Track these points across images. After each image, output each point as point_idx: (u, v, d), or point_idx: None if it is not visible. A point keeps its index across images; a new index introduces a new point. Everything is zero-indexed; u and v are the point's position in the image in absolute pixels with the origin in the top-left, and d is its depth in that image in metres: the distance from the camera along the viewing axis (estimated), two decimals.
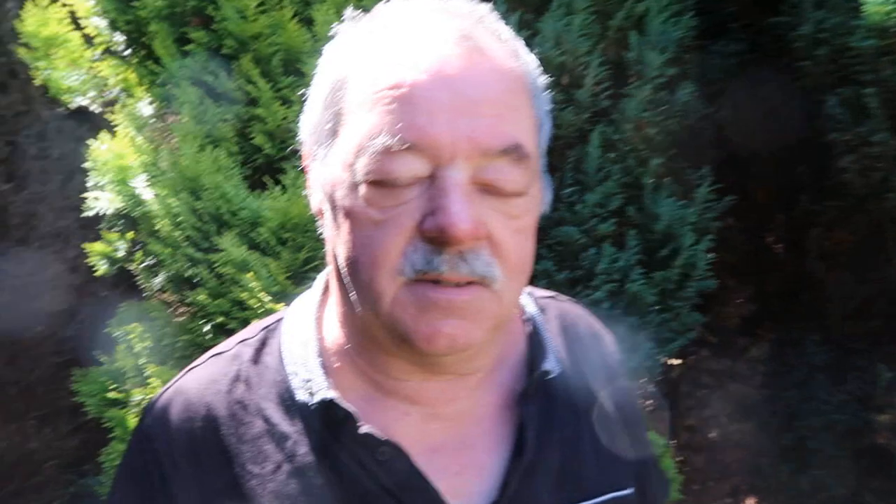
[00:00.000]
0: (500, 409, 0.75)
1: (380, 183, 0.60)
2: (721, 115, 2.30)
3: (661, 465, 2.19)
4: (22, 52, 1.91)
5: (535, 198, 0.67)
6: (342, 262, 0.66)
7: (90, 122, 3.89)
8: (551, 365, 0.76)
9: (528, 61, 0.69)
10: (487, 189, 0.62)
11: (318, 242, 1.74)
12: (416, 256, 0.60)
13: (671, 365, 2.96)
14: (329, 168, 0.66)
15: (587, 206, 1.83)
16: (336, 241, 0.66)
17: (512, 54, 0.67)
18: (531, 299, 0.85)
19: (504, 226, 0.62)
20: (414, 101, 0.60)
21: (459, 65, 0.61)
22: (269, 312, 0.81)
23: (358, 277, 0.64)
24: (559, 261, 1.85)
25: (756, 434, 2.92)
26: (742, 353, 2.77)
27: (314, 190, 0.71)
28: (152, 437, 0.71)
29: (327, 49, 0.71)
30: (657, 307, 1.87)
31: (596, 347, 0.88)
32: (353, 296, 0.66)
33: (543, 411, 0.75)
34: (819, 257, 2.39)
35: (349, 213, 0.63)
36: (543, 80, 0.71)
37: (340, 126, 0.65)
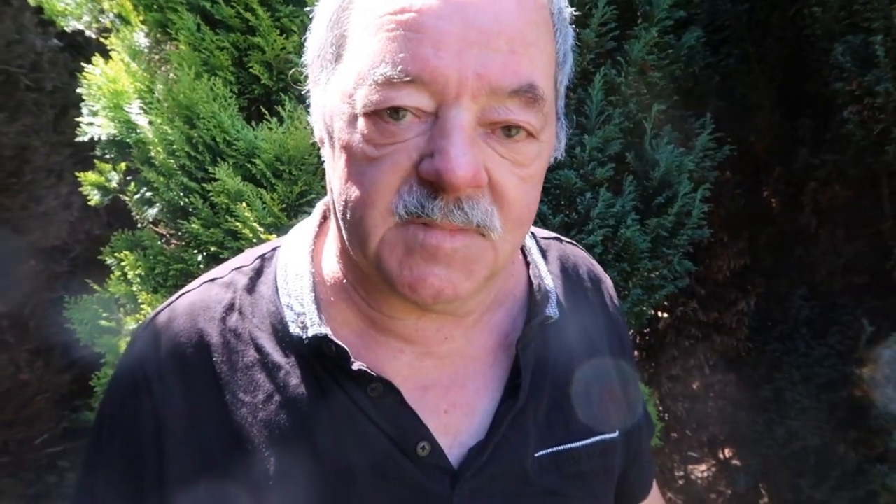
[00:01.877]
0: (494, 350, 0.75)
1: (379, 117, 0.57)
2: (726, 63, 2.26)
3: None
4: None
5: (547, 143, 0.63)
6: (336, 196, 0.64)
7: (85, 56, 3.80)
8: (552, 310, 0.75)
9: None
10: (494, 132, 0.58)
11: (314, 176, 1.73)
12: (410, 198, 0.58)
13: (658, 315, 2.99)
14: (330, 96, 0.63)
15: (586, 150, 1.81)
16: (332, 174, 0.64)
17: None
18: (533, 241, 0.84)
19: (509, 173, 0.59)
20: (420, 28, 0.55)
21: None
22: (262, 244, 0.81)
23: (349, 214, 0.61)
24: (555, 204, 1.85)
25: (737, 385, 2.98)
26: (730, 306, 2.80)
27: (316, 118, 0.68)
28: (143, 359, 0.69)
29: None
30: (649, 254, 1.88)
31: (595, 292, 0.87)
32: (345, 232, 0.64)
33: (539, 355, 0.74)
34: (813, 212, 2.40)
35: (346, 147, 0.60)
36: (569, 10, 0.66)
37: (343, 51, 0.61)
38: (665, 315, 3.03)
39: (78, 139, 1.84)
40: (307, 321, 0.67)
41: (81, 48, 3.72)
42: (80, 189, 1.96)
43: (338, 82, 0.61)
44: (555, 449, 0.74)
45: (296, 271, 0.71)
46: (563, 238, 0.90)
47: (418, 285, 0.59)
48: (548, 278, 0.79)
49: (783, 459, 2.90)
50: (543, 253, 0.84)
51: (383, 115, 0.57)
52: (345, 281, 0.71)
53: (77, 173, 2.01)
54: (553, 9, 0.63)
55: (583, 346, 0.81)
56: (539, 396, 0.74)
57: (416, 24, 0.55)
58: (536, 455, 0.72)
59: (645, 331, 3.20)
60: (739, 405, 3.02)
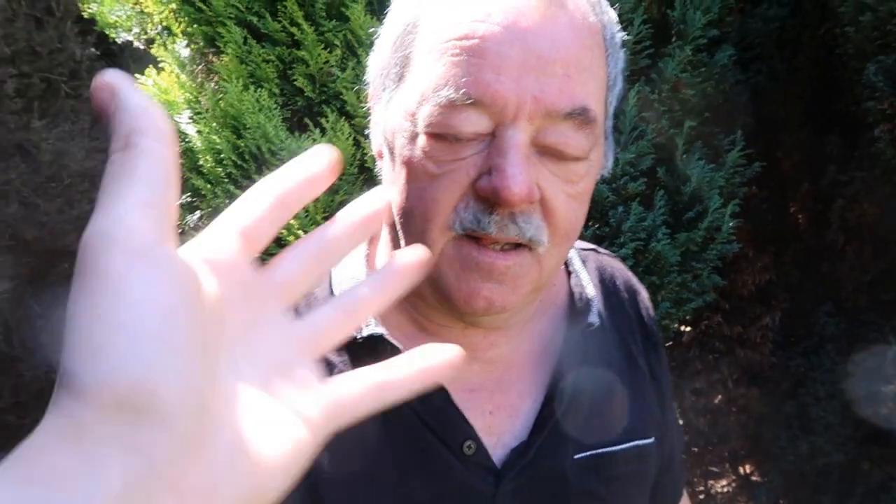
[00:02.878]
0: (537, 356, 0.78)
1: (440, 136, 0.60)
2: (756, 81, 2.29)
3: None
4: None
5: (596, 162, 0.66)
6: (396, 209, 0.67)
7: (119, 65, 3.90)
8: (594, 318, 0.78)
9: (609, 15, 0.68)
10: (547, 151, 0.61)
11: (354, 185, 1.78)
12: (466, 214, 0.61)
13: (682, 329, 3.00)
14: (392, 113, 0.66)
15: (619, 165, 1.85)
16: (393, 187, 0.67)
17: (592, 6, 0.65)
18: (574, 251, 0.87)
19: (559, 190, 0.62)
20: (483, 54, 0.58)
21: (535, 18, 0.59)
22: None
23: (410, 228, 0.65)
24: (587, 218, 1.89)
25: (760, 400, 2.98)
26: (754, 321, 2.81)
27: (375, 132, 0.72)
28: None
29: None
30: (679, 267, 1.91)
31: (632, 301, 0.90)
32: (403, 243, 0.67)
33: (579, 361, 0.77)
34: (840, 229, 2.41)
35: (407, 163, 0.63)
36: (621, 36, 0.70)
37: (407, 71, 0.64)
38: (689, 329, 3.04)
39: None
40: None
41: (116, 56, 3.83)
42: None
43: (400, 101, 0.65)
44: (593, 452, 0.76)
45: (351, 275, 0.74)
46: (600, 249, 0.94)
47: (472, 297, 0.63)
48: (589, 287, 0.82)
49: (805, 476, 2.89)
50: (583, 262, 0.87)
51: (446, 134, 0.60)
52: None
53: None
54: (606, 34, 0.66)
55: (620, 354, 0.84)
56: (579, 401, 0.77)
57: (478, 50, 0.59)
58: (576, 457, 0.75)
59: (668, 343, 3.22)
60: (762, 420, 3.01)
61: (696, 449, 3.43)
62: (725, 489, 3.52)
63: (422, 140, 0.62)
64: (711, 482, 3.55)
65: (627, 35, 1.84)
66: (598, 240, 1.89)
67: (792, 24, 2.26)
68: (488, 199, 0.60)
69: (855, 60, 1.91)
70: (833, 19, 2.00)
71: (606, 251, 0.95)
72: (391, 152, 0.67)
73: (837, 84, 2.19)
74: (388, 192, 0.70)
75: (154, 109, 0.34)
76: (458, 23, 0.60)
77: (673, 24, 1.90)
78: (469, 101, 0.59)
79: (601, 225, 1.88)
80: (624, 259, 1.84)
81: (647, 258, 1.88)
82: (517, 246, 0.63)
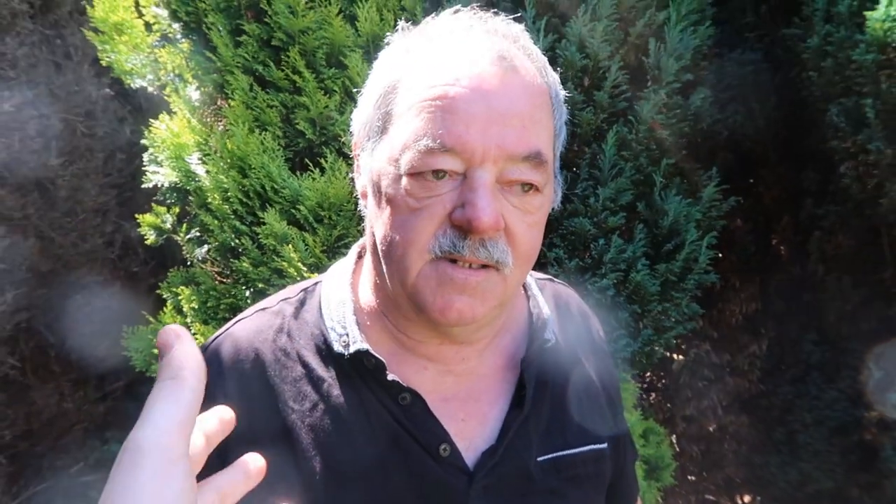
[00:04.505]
0: (502, 369, 0.89)
1: (419, 176, 0.72)
2: (733, 120, 2.42)
3: (633, 437, 2.33)
4: (90, 36, 2.08)
5: (549, 196, 0.80)
6: (380, 239, 0.78)
7: (132, 105, 4.10)
8: (550, 335, 0.90)
9: (553, 77, 0.82)
10: (509, 188, 0.74)
11: (350, 221, 1.90)
12: (444, 240, 0.72)
13: (672, 357, 3.09)
14: (376, 160, 0.79)
15: (599, 200, 1.97)
16: (376, 221, 0.79)
17: (540, 71, 0.79)
18: (532, 279, 0.99)
19: (520, 220, 0.75)
20: (454, 111, 0.71)
21: (495, 82, 0.72)
22: (304, 281, 0.96)
23: (392, 253, 0.76)
24: (570, 249, 2.00)
25: (750, 427, 3.04)
26: (742, 349, 2.89)
27: (361, 176, 0.84)
28: (207, 372, 0.82)
29: (382, 55, 0.83)
30: (659, 297, 2.01)
31: (584, 324, 1.02)
32: (385, 268, 0.79)
33: (539, 373, 0.88)
34: (820, 260, 2.51)
35: (391, 200, 0.75)
36: (562, 93, 0.83)
37: (390, 125, 0.77)
38: (679, 357, 3.12)
39: (143, 185, 2.04)
40: (350, 340, 0.81)
41: (129, 96, 4.01)
42: (140, 229, 2.16)
43: (383, 149, 0.77)
44: (554, 455, 0.86)
45: (338, 299, 0.86)
46: (555, 279, 1.06)
47: (447, 309, 0.74)
48: (545, 308, 0.94)
49: (798, 502, 2.93)
50: (540, 290, 0.99)
51: (424, 175, 0.73)
52: (378, 309, 0.85)
53: (137, 215, 2.21)
54: (552, 93, 0.80)
55: (575, 368, 0.95)
56: (540, 409, 0.87)
57: (450, 108, 0.72)
58: (539, 459, 0.85)
59: (660, 372, 3.29)
60: (754, 447, 3.07)
61: (691, 477, 3.47)
62: None
63: (404, 181, 0.74)
64: None
65: (605, 80, 1.98)
66: (581, 270, 2.00)
67: (765, 67, 2.40)
68: (462, 227, 0.72)
69: (820, 102, 2.03)
70: (800, 64, 2.14)
71: (560, 281, 1.07)
72: (377, 191, 0.78)
73: (809, 123, 2.32)
74: (371, 226, 0.82)
75: (199, 358, 0.54)
76: (433, 86, 0.73)
77: (648, 70, 2.04)
78: (444, 149, 0.71)
79: (584, 256, 1.99)
80: (606, 289, 1.96)
81: (627, 288, 1.99)
82: (484, 266, 0.75)
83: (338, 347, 0.82)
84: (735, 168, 2.47)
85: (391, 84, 0.78)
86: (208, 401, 0.82)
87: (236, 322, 0.89)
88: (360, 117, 0.84)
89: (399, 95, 0.76)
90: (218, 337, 0.88)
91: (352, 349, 0.81)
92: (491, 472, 0.81)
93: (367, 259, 0.87)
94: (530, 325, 0.92)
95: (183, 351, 0.53)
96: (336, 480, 0.79)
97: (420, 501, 0.79)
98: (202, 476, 0.79)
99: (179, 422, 0.50)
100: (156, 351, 1.98)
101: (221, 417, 0.62)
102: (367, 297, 0.87)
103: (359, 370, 0.81)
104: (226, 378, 0.83)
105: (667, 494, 3.31)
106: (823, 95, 2.02)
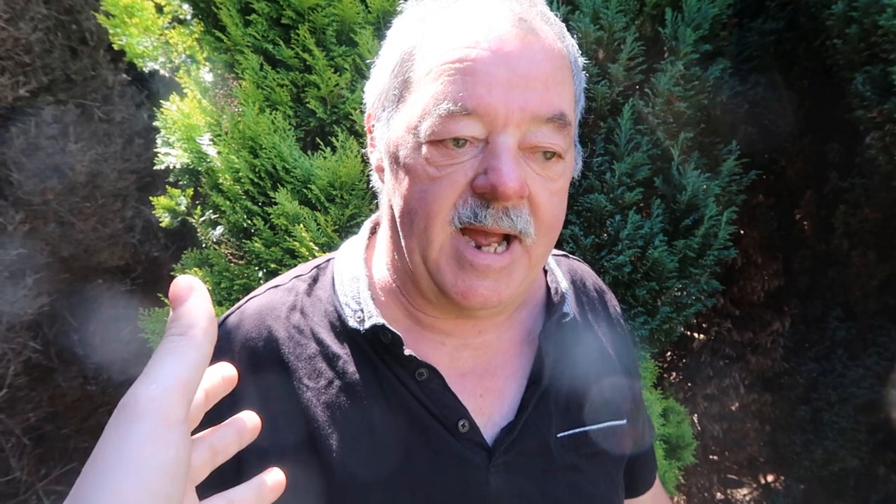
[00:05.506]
0: (519, 343, 0.87)
1: (440, 143, 0.71)
2: (754, 92, 2.35)
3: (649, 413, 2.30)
4: (101, 20, 2.08)
5: (570, 163, 0.77)
6: (399, 211, 0.76)
7: (149, 90, 4.11)
8: (568, 309, 0.88)
9: (571, 43, 0.79)
10: (531, 154, 0.72)
11: (363, 200, 1.89)
12: (465, 210, 0.71)
13: (693, 336, 3.04)
14: (393, 130, 0.77)
15: (616, 176, 1.93)
16: (394, 193, 0.77)
17: (559, 36, 0.77)
18: (549, 255, 0.97)
19: (543, 187, 0.73)
20: (475, 74, 0.69)
21: (516, 44, 0.71)
22: None
23: (413, 225, 0.74)
24: (586, 226, 1.97)
25: (774, 406, 2.99)
26: (764, 327, 2.84)
27: (375, 149, 0.82)
28: (220, 352, 0.79)
29: (396, 23, 0.82)
30: (677, 273, 1.97)
31: (600, 300, 1.01)
32: (404, 242, 0.77)
33: (557, 348, 0.87)
34: (845, 234, 2.45)
35: (410, 170, 0.73)
36: (582, 60, 0.81)
37: (407, 93, 0.75)
38: (700, 335, 3.08)
39: (155, 167, 2.04)
40: (365, 315, 0.79)
41: (146, 81, 4.03)
42: (154, 212, 2.16)
43: (401, 118, 0.75)
44: (573, 431, 0.85)
45: (352, 275, 0.84)
46: (570, 255, 1.05)
47: (470, 294, 0.73)
48: (563, 283, 0.92)
49: (823, 481, 2.89)
50: (557, 265, 0.98)
51: (445, 142, 0.71)
52: (394, 285, 0.84)
53: (151, 197, 2.22)
54: (571, 58, 0.78)
55: (592, 344, 0.93)
56: (559, 385, 0.86)
57: (471, 71, 0.70)
58: (558, 436, 0.84)
59: (681, 351, 3.25)
60: (777, 426, 3.03)
61: (714, 457, 3.44)
62: (747, 497, 3.51)
63: (424, 149, 0.72)
64: (731, 490, 3.55)
65: (621, 52, 1.93)
66: (597, 247, 1.97)
67: (788, 37, 2.32)
68: (485, 195, 0.70)
69: (845, 71, 1.96)
70: (825, 32, 2.06)
71: (576, 257, 1.06)
72: (395, 162, 0.76)
73: (834, 93, 2.25)
74: (388, 199, 0.80)
75: (212, 315, 0.50)
76: (452, 49, 0.71)
77: (665, 41, 1.98)
78: (465, 112, 0.69)
79: (600, 233, 1.95)
80: (622, 266, 1.92)
81: (645, 265, 1.95)
82: (508, 242, 0.73)
83: (352, 323, 0.80)
84: (756, 141, 2.41)
85: (407, 51, 0.76)
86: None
87: (248, 300, 0.88)
88: (375, 88, 0.82)
89: (416, 62, 0.74)
90: (230, 315, 0.87)
91: (367, 324, 0.79)
92: (510, 447, 0.80)
93: (383, 234, 0.86)
94: (548, 300, 0.91)
95: (195, 306, 0.49)
96: (354, 458, 0.77)
97: (439, 477, 0.78)
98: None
99: (183, 382, 0.46)
100: None
101: (224, 375, 0.59)
102: (382, 274, 0.85)
103: (374, 346, 0.80)
104: (238, 356, 0.81)
105: (688, 473, 3.29)
106: (848, 63, 1.94)
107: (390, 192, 0.79)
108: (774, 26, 2.31)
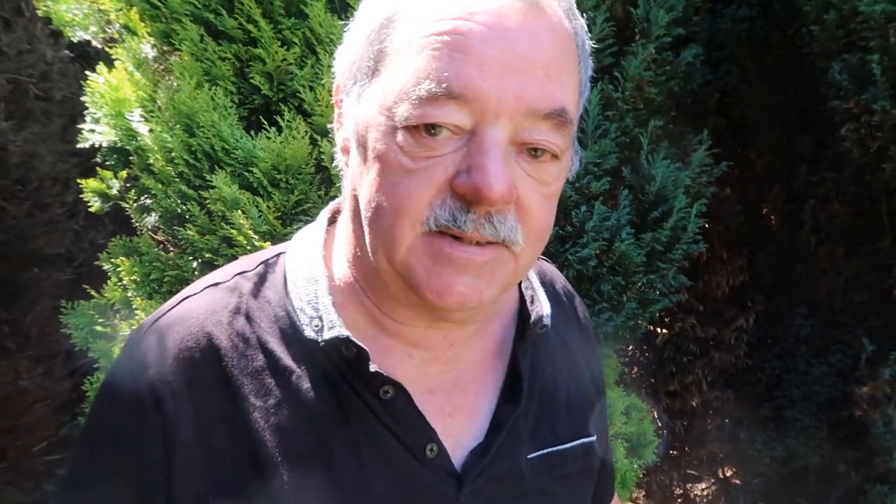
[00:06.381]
0: (491, 356, 0.78)
1: (417, 131, 0.59)
2: (725, 82, 2.28)
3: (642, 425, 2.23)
4: None
5: (566, 165, 0.66)
6: (364, 203, 0.65)
7: (94, 67, 3.86)
8: (546, 321, 0.78)
9: (580, 23, 0.68)
10: (522, 152, 0.61)
11: (311, 186, 1.74)
12: (442, 212, 0.60)
13: (657, 331, 2.99)
14: (364, 107, 0.65)
15: (582, 164, 1.83)
16: (360, 182, 0.65)
17: (567, 14, 0.65)
18: None
19: (533, 190, 0.62)
20: (466, 50, 0.58)
21: (517, 19, 0.59)
22: (255, 251, 0.82)
23: (378, 222, 0.63)
24: None
25: (735, 403, 2.97)
26: (729, 323, 2.80)
27: (342, 126, 0.70)
28: (148, 365, 0.68)
29: None
30: (644, 268, 1.89)
31: (570, 305, 0.92)
32: (368, 239, 0.65)
33: (530, 361, 0.78)
34: (813, 230, 2.40)
35: (380, 157, 0.62)
36: (590, 43, 0.69)
37: (383, 65, 0.63)
38: (663, 331, 3.03)
39: (79, 146, 1.86)
40: (324, 324, 0.67)
41: (92, 59, 3.77)
42: (82, 196, 1.98)
43: (374, 95, 0.63)
44: (545, 451, 0.77)
45: (308, 275, 0.72)
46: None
47: (446, 293, 0.61)
48: (540, 291, 0.81)
49: (783, 478, 2.87)
50: None
51: (423, 129, 0.59)
52: (356, 286, 0.72)
53: (79, 180, 2.03)
54: (578, 41, 0.66)
55: (564, 356, 0.85)
56: (529, 401, 0.77)
57: (461, 46, 0.58)
58: (529, 457, 0.75)
59: (643, 346, 3.20)
60: (738, 423, 3.00)
61: (673, 452, 3.41)
62: (705, 492, 3.50)
63: (399, 135, 0.60)
64: (690, 485, 3.53)
65: (590, 33, 1.82)
66: (561, 240, 1.86)
67: (761, 25, 2.25)
68: (466, 196, 0.59)
69: (821, 59, 1.90)
70: (800, 19, 1.99)
71: (541, 257, 0.95)
72: (363, 146, 0.65)
73: (807, 84, 2.19)
74: (352, 187, 0.68)
75: None
76: (440, 18, 0.59)
77: (637, 23, 1.88)
78: (450, 96, 0.58)
79: (564, 224, 1.85)
80: (587, 260, 1.82)
81: (611, 258, 1.85)
82: (490, 243, 0.62)
83: (308, 332, 0.68)
84: (725, 132, 2.34)
85: (388, 16, 0.63)
86: (150, 403, 0.66)
87: (181, 300, 0.74)
88: (346, 55, 0.69)
89: (397, 30, 0.62)
90: (160, 317, 0.73)
91: (326, 335, 0.67)
92: (481, 473, 0.71)
93: (344, 226, 0.73)
94: (521, 308, 0.80)
95: None
96: (308, 490, 0.66)
97: None
98: (140, 493, 0.65)
99: None
100: (98, 328, 1.82)
101: None
102: (343, 272, 0.73)
103: (333, 360, 0.68)
104: (171, 370, 0.67)
105: (648, 470, 3.25)
106: (825, 52, 1.87)
107: (356, 178, 0.67)
108: (748, 13, 2.24)
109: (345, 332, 0.66)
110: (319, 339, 0.67)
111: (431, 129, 0.59)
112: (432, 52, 0.59)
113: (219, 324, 0.70)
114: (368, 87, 0.64)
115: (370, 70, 0.64)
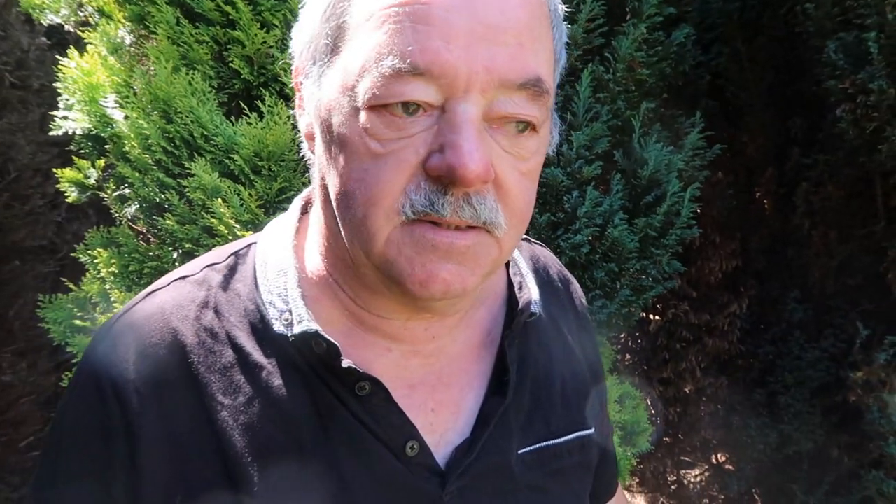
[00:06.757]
0: (476, 347, 0.74)
1: (384, 110, 0.55)
2: (717, 63, 2.24)
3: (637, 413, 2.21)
4: None
5: (545, 137, 0.63)
6: (334, 193, 0.61)
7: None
8: (535, 308, 0.74)
9: None
10: (498, 126, 0.57)
11: (294, 173, 1.69)
12: (418, 197, 0.56)
13: (649, 318, 2.96)
14: (325, 89, 0.61)
15: (573, 148, 1.78)
16: (328, 169, 0.62)
17: None
18: None
19: (512, 168, 0.59)
20: (430, 20, 0.54)
21: None
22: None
23: (350, 213, 0.59)
24: (541, 203, 1.82)
25: (729, 389, 2.95)
26: (722, 309, 2.77)
27: (304, 112, 0.66)
28: (112, 363, 0.65)
29: None
30: (637, 254, 1.85)
31: (565, 290, 0.88)
32: (342, 231, 0.62)
33: (520, 352, 0.74)
34: (805, 213, 2.37)
35: (346, 142, 0.58)
36: (562, 7, 0.65)
37: (342, 42, 0.59)
38: (656, 317, 3.00)
39: (52, 133, 1.80)
40: (294, 318, 0.64)
41: (69, 46, 3.68)
42: (58, 186, 1.92)
43: (335, 75, 0.59)
44: (537, 446, 0.73)
45: (278, 267, 0.69)
46: (531, 239, 0.90)
47: (430, 281, 0.58)
48: (528, 276, 0.78)
49: (776, 464, 2.86)
50: (518, 251, 0.83)
51: (390, 108, 0.55)
52: (330, 279, 0.68)
53: (55, 169, 1.97)
54: (550, 5, 0.62)
55: (558, 344, 0.81)
56: (521, 394, 0.74)
57: (424, 16, 0.54)
58: (520, 452, 0.72)
59: (636, 334, 3.17)
60: (732, 409, 2.99)
61: (667, 439, 3.40)
62: (698, 478, 3.50)
63: (363, 116, 0.56)
64: (684, 472, 3.53)
65: (580, 13, 1.77)
66: (553, 226, 1.82)
67: (753, 4, 2.21)
68: (441, 178, 0.55)
69: (816, 38, 1.85)
70: None
71: (536, 241, 0.91)
72: (327, 131, 0.61)
73: (800, 65, 2.14)
74: (321, 176, 0.65)
75: None
76: None
77: (627, 2, 1.83)
78: (415, 72, 0.54)
79: (556, 210, 1.80)
80: (580, 246, 1.78)
81: (604, 244, 1.81)
82: (472, 227, 0.58)
83: (278, 327, 0.65)
84: (717, 115, 2.30)
85: None
86: (113, 401, 0.62)
87: (148, 294, 0.70)
88: (303, 35, 0.64)
89: (353, 3, 0.58)
90: (124, 314, 0.69)
91: (296, 330, 0.63)
92: (466, 470, 0.67)
93: (316, 215, 0.69)
94: (510, 295, 0.76)
95: None
96: (280, 493, 0.62)
97: None
98: (104, 492, 0.63)
99: None
100: (77, 322, 1.77)
101: None
102: (316, 263, 0.69)
103: (305, 355, 0.64)
104: (135, 368, 0.64)
105: (642, 457, 3.24)
106: (819, 30, 1.83)
107: (323, 166, 0.63)
108: None
109: (314, 327, 0.63)
110: (289, 334, 0.64)
111: (398, 107, 0.55)
112: (393, 24, 0.55)
113: (185, 319, 0.67)
114: (328, 68, 0.61)
115: (328, 48, 0.60)
